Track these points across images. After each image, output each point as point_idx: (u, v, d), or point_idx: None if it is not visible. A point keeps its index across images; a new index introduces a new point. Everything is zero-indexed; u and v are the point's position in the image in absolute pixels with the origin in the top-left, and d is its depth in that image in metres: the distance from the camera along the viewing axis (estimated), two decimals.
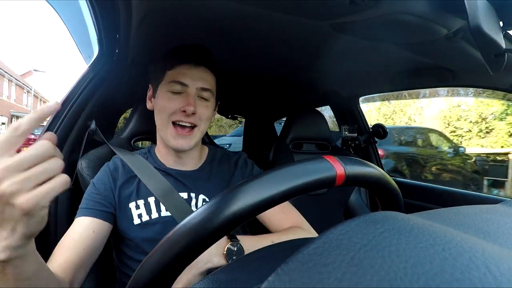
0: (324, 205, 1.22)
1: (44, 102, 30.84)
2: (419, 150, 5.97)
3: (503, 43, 0.54)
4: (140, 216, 0.64)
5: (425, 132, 6.25)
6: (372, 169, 0.33)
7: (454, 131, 9.05)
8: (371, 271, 0.15)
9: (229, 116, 2.32)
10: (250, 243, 0.56)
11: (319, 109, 1.56)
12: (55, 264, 0.52)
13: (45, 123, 0.85)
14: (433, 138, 6.19)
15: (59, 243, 0.55)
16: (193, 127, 0.67)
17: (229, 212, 0.25)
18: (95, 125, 0.85)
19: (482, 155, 6.56)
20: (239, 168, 0.77)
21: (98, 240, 0.59)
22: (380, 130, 1.45)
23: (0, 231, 0.31)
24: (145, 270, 0.27)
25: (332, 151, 1.33)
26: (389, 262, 0.15)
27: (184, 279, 0.49)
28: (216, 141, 1.26)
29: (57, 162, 0.32)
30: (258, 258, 0.34)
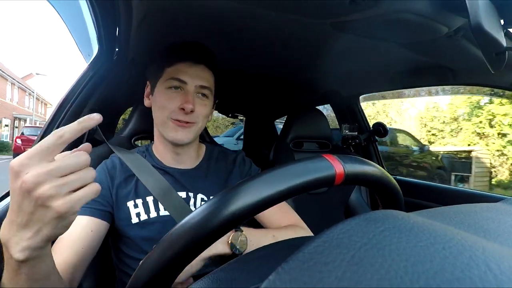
0: (325, 203, 1.22)
1: (45, 104, 31.61)
2: (389, 149, 6.57)
3: (504, 42, 0.54)
4: (138, 215, 0.64)
5: (393, 132, 6.85)
6: (372, 168, 0.32)
7: (429, 131, 9.84)
8: (371, 270, 0.15)
9: (230, 115, 2.32)
10: (254, 235, 0.57)
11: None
12: None
13: (45, 123, 0.85)
14: (401, 138, 6.91)
15: (56, 242, 0.55)
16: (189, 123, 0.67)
17: (228, 211, 0.25)
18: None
19: (450, 152, 7.25)
20: (237, 166, 0.77)
21: (96, 239, 0.59)
22: (380, 129, 1.45)
23: (25, 231, 0.32)
24: (145, 269, 0.27)
25: (332, 149, 1.33)
26: (390, 261, 0.15)
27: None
28: None
29: (91, 172, 0.33)
30: (258, 257, 0.34)
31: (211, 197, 0.57)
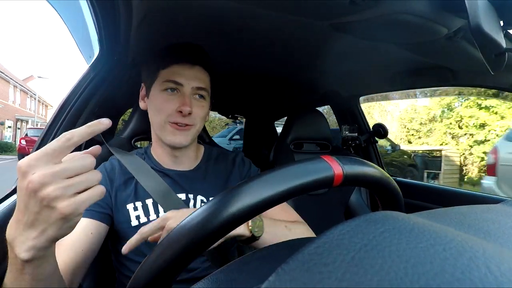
0: (325, 204, 1.22)
1: (46, 105, 32.43)
2: None
3: (503, 43, 0.54)
4: (138, 217, 0.64)
5: None
6: (371, 169, 0.32)
7: (408, 131, 10.71)
8: (371, 271, 0.15)
9: (230, 116, 2.32)
10: (268, 222, 0.58)
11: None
12: None
13: (46, 124, 0.85)
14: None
15: (56, 244, 0.55)
16: (187, 125, 0.67)
17: (227, 213, 0.25)
18: None
19: (423, 151, 7.81)
20: (237, 167, 0.76)
21: (96, 242, 0.59)
22: (380, 130, 1.45)
23: (30, 230, 0.32)
24: (144, 271, 0.27)
25: (332, 150, 1.33)
26: (390, 262, 0.15)
27: None
28: None
29: (97, 175, 0.34)
30: (258, 258, 0.34)
31: (210, 198, 0.57)
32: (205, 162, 0.75)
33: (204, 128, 1.01)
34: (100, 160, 0.75)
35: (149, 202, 0.66)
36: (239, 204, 0.25)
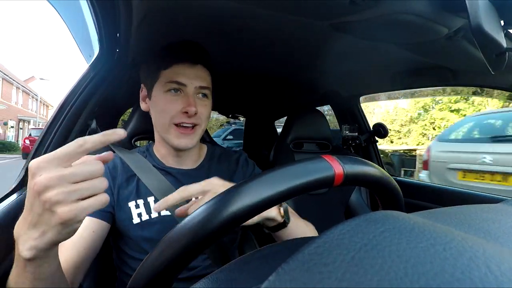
0: (325, 204, 1.22)
1: (46, 106, 33.33)
2: None
3: (504, 42, 0.54)
4: (140, 215, 0.64)
5: None
6: (372, 168, 0.32)
7: (389, 132, 11.83)
8: (371, 271, 0.15)
9: (230, 116, 2.32)
10: (293, 213, 0.58)
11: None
12: None
13: (45, 124, 0.85)
14: None
15: None
16: (194, 126, 0.66)
17: (228, 212, 0.25)
18: (95, 125, 0.85)
19: (399, 151, 8.23)
20: (240, 167, 0.76)
21: (97, 240, 0.59)
22: (380, 129, 1.45)
23: (33, 231, 0.33)
24: (145, 270, 0.27)
25: (332, 150, 1.33)
26: (390, 262, 0.15)
27: None
28: None
29: (103, 182, 0.33)
30: (258, 258, 0.34)
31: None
32: (208, 161, 0.75)
33: None
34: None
35: (150, 200, 0.66)
36: (240, 204, 0.25)
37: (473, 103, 10.43)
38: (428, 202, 1.26)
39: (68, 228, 0.32)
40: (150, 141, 0.86)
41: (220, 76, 0.74)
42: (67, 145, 0.32)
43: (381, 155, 1.51)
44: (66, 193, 0.31)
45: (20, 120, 24.52)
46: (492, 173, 2.82)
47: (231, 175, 0.74)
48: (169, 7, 0.68)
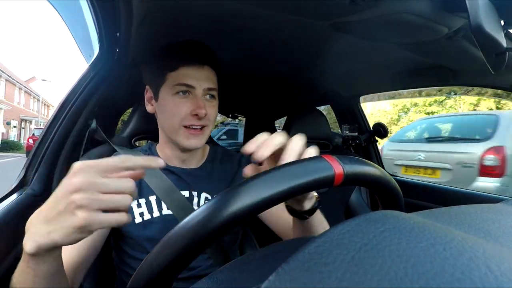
0: (325, 204, 1.21)
1: (47, 106, 34.15)
2: None
3: (504, 42, 0.54)
4: (141, 214, 0.64)
5: None
6: (372, 168, 0.32)
7: None
8: (371, 270, 0.15)
9: (230, 116, 2.32)
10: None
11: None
12: None
13: (46, 123, 0.85)
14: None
15: None
16: (203, 127, 0.67)
17: (228, 212, 0.25)
18: (95, 124, 0.85)
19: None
20: (242, 167, 0.76)
21: (98, 240, 0.59)
22: (380, 129, 1.45)
23: (43, 226, 0.33)
24: (146, 269, 0.27)
25: (332, 150, 1.33)
26: (390, 261, 0.15)
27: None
28: None
29: (128, 200, 0.34)
30: (258, 258, 0.34)
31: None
32: (210, 161, 0.75)
33: None
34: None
35: (152, 199, 0.66)
36: (240, 204, 0.25)
37: (445, 106, 11.59)
38: (428, 202, 1.26)
39: (77, 234, 0.33)
40: (149, 141, 0.86)
41: (220, 76, 0.74)
42: (111, 158, 0.34)
43: None
44: (91, 199, 0.32)
45: (22, 120, 25.08)
46: (425, 168, 3.41)
47: (233, 175, 0.74)
48: (169, 7, 0.68)
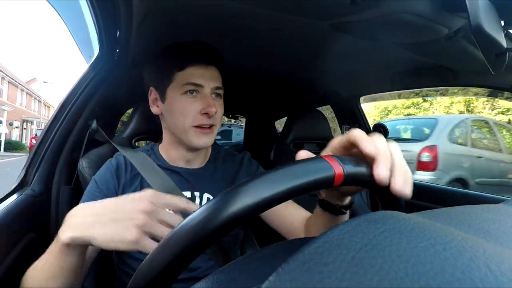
0: None
1: (48, 106, 34.47)
2: None
3: (504, 43, 0.54)
4: None
5: None
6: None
7: None
8: (371, 271, 0.15)
9: (230, 116, 2.32)
10: None
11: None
12: None
13: (46, 124, 0.85)
14: None
15: None
16: (211, 126, 0.67)
17: (228, 212, 0.25)
18: (96, 125, 0.85)
19: None
20: (244, 167, 0.77)
21: None
22: (381, 130, 1.45)
23: (88, 219, 0.38)
24: (145, 270, 0.27)
25: None
26: (390, 262, 0.15)
27: None
28: None
29: (164, 232, 0.38)
30: (258, 258, 0.34)
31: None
32: (213, 161, 0.75)
33: None
34: (103, 159, 0.75)
35: None
36: (240, 204, 0.25)
37: (420, 108, 12.36)
38: (428, 202, 1.26)
39: (115, 244, 0.37)
40: (148, 141, 0.86)
41: (222, 77, 0.74)
42: (175, 197, 0.41)
43: None
44: (149, 223, 0.37)
45: (24, 120, 25.70)
46: None
47: (234, 175, 0.75)
48: (169, 7, 0.68)
